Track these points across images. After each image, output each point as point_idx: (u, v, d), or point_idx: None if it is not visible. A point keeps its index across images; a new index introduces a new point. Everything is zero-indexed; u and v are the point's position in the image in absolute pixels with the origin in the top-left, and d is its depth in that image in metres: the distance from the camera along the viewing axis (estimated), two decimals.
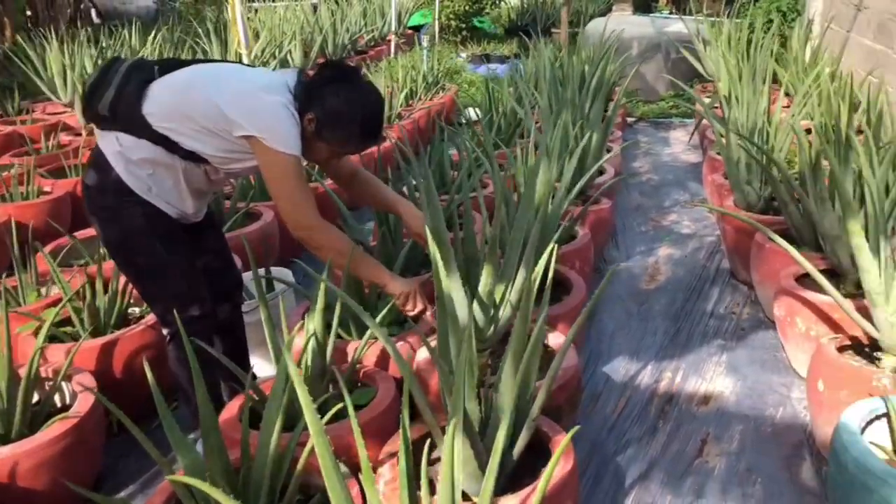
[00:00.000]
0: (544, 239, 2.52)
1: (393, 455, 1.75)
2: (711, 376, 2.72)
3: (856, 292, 2.42)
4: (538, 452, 1.77)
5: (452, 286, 1.89)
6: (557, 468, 1.66)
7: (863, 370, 2.11)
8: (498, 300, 2.17)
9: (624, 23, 7.28)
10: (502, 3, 11.52)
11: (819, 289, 2.39)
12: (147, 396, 1.59)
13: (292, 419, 1.77)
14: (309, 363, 2.03)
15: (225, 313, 2.33)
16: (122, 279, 2.56)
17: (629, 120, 6.50)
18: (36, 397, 2.23)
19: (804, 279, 2.61)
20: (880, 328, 2.14)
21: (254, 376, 2.48)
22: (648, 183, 5.05)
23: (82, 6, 11.24)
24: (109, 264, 2.57)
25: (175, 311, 1.93)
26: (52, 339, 2.45)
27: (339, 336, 2.34)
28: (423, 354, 2.20)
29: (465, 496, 1.65)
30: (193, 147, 2.00)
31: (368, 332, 2.21)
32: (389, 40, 8.92)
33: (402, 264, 2.61)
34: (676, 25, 6.93)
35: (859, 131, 3.40)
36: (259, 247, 2.98)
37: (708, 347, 2.92)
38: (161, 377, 1.66)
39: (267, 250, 2.95)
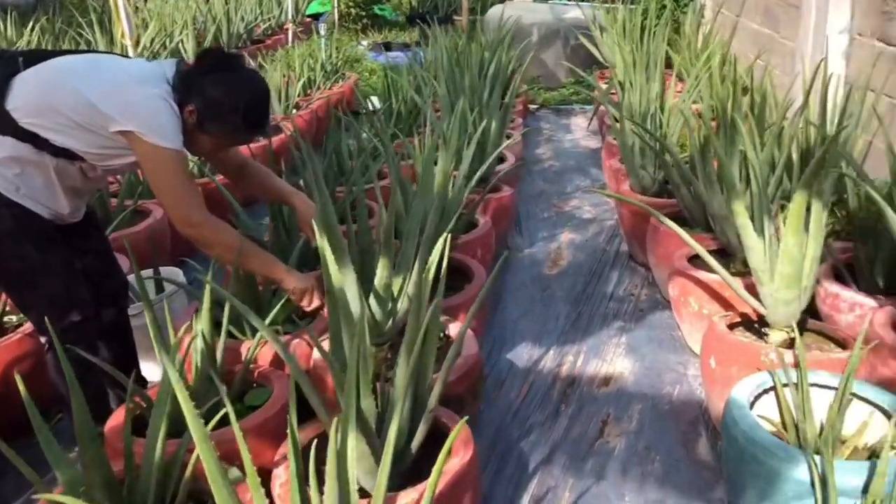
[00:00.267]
0: (442, 228, 2.49)
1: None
2: (612, 358, 2.77)
3: (744, 270, 2.49)
4: (441, 445, 1.74)
5: (345, 279, 1.84)
6: (456, 459, 1.64)
7: (751, 346, 2.18)
8: (396, 292, 2.13)
9: (523, 9, 7.33)
10: None
11: (709, 268, 2.45)
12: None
13: (183, 424, 1.69)
14: (198, 365, 1.95)
15: (110, 317, 2.22)
16: None
17: (531, 107, 6.56)
18: None
19: (697, 260, 2.67)
20: (766, 304, 2.21)
21: (144, 382, 2.37)
22: (550, 169, 5.11)
23: None
24: None
25: (53, 318, 1.80)
26: None
27: (233, 336, 2.26)
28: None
29: (365, 493, 1.62)
30: (65, 143, 1.88)
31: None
32: (287, 29, 8.70)
33: (297, 259, 2.53)
34: (574, 12, 7.02)
35: (749, 114, 3.51)
36: (147, 246, 2.84)
37: (608, 329, 2.97)
38: (43, 387, 1.55)
39: (156, 249, 2.82)
